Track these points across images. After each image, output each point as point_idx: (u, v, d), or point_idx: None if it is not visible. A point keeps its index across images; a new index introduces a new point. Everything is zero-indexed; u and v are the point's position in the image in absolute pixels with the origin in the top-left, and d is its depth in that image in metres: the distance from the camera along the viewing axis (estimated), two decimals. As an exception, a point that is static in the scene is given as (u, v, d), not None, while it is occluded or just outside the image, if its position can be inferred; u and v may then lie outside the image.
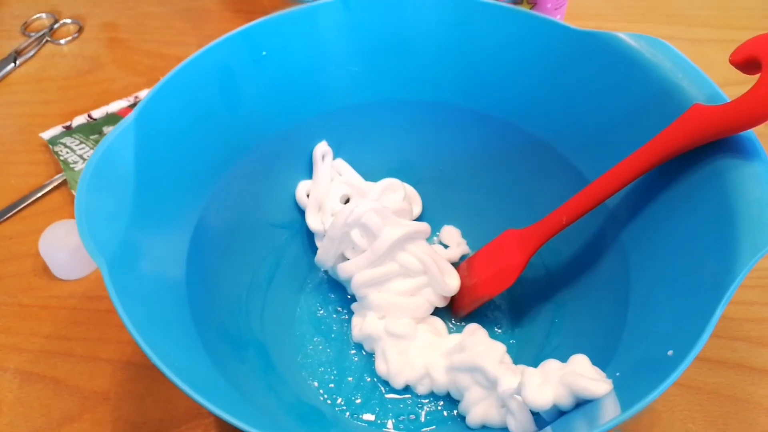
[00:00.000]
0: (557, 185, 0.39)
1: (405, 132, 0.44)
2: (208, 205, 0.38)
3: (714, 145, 0.31)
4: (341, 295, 0.43)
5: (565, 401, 0.29)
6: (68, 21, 0.64)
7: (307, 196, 0.43)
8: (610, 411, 0.26)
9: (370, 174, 0.44)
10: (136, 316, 0.28)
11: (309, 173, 0.44)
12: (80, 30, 0.64)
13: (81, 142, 0.51)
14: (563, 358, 0.32)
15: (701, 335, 0.25)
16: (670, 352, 0.26)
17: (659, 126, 0.32)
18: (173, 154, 0.36)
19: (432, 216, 0.45)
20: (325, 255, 0.41)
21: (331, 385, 0.39)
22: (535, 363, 0.33)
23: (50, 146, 0.51)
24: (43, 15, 0.65)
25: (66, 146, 0.51)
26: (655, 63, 0.34)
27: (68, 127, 0.53)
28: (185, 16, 0.65)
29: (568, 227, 0.36)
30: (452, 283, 0.40)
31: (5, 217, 0.48)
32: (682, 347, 0.26)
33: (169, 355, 0.27)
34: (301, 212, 0.44)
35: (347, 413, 0.38)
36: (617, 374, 0.29)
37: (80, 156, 0.50)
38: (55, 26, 0.64)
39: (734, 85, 0.32)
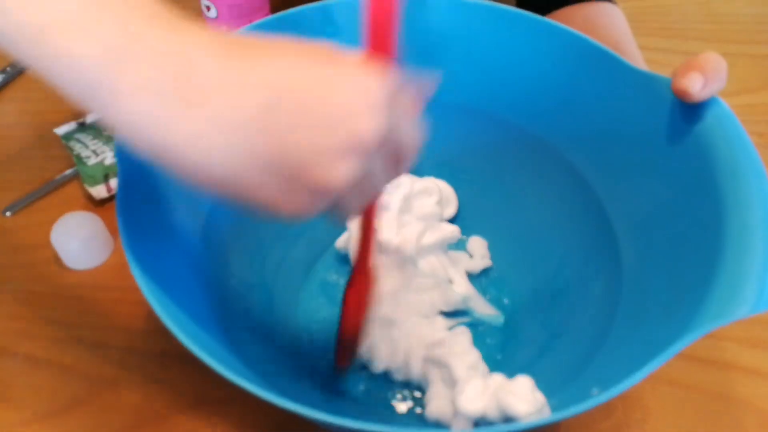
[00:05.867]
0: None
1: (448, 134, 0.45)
2: None
3: (712, 158, 0.32)
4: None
5: (493, 414, 0.31)
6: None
7: None
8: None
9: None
10: (139, 240, 0.29)
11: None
12: (95, 31, 0.65)
13: (94, 138, 0.53)
14: (553, 363, 0.33)
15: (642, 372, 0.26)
16: (594, 391, 0.27)
17: (676, 144, 0.33)
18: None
19: (464, 219, 0.47)
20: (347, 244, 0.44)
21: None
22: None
23: (64, 141, 0.53)
24: (59, 16, 0.66)
25: (79, 141, 0.52)
26: None
27: (82, 124, 0.55)
28: (198, 17, 0.67)
29: (565, 249, 0.38)
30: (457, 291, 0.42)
31: (19, 208, 0.50)
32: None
33: (168, 296, 0.29)
34: None
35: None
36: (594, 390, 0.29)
37: (93, 151, 0.52)
38: (71, 27, 0.66)
39: (727, 96, 0.33)
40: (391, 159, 0.25)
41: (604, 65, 0.38)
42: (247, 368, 0.31)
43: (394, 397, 0.39)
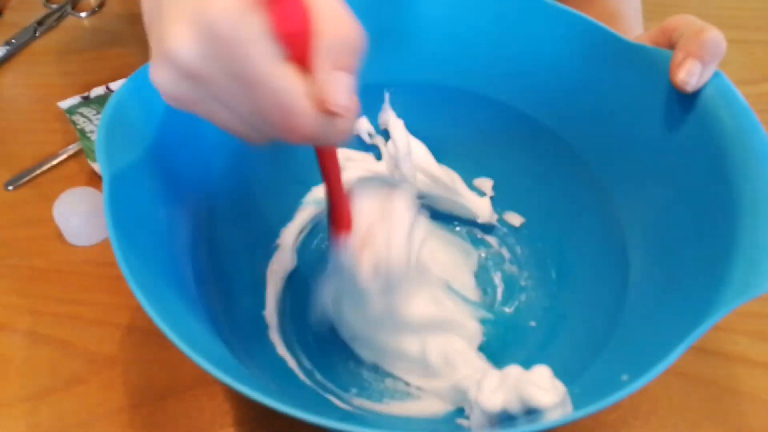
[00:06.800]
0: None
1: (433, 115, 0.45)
2: (229, 165, 0.39)
3: (724, 157, 0.31)
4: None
5: (515, 407, 0.30)
6: (89, -5, 0.65)
7: None
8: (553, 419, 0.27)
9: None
10: (126, 234, 0.28)
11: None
12: (101, 4, 0.64)
13: (98, 113, 0.52)
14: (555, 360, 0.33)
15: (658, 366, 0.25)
16: (624, 377, 0.27)
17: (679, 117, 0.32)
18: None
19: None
20: None
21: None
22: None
23: (68, 115, 0.52)
24: (65, -12, 0.66)
25: (83, 116, 0.52)
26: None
27: (86, 98, 0.54)
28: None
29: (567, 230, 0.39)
30: None
31: (21, 183, 0.49)
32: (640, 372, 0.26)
33: (149, 280, 0.28)
34: None
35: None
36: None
37: (97, 126, 0.51)
38: (76, -1, 0.65)
39: (748, 84, 0.32)
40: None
41: (603, 44, 0.37)
42: (239, 363, 0.31)
43: (384, 395, 0.38)
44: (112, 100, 0.32)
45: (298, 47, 0.23)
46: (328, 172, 0.32)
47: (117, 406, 0.38)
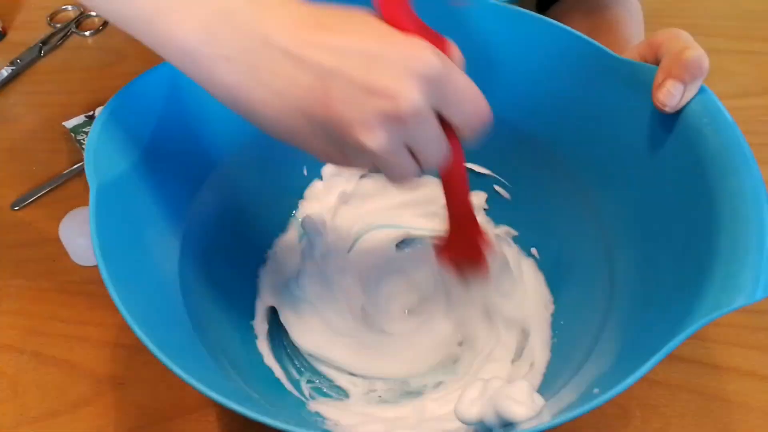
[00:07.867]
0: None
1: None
2: (220, 176, 0.39)
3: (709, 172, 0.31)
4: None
5: (491, 419, 0.30)
6: (94, 13, 0.65)
7: None
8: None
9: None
10: (107, 237, 0.29)
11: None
12: (105, 23, 0.65)
13: (103, 132, 0.52)
14: None
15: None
16: (596, 391, 0.27)
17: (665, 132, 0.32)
18: (195, 113, 0.37)
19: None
20: None
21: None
22: None
23: (72, 135, 0.52)
24: (69, 7, 0.66)
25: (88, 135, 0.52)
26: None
27: (91, 117, 0.54)
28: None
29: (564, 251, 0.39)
30: None
31: (27, 203, 0.49)
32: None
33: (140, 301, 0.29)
34: None
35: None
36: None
37: (102, 145, 0.51)
38: (81, 18, 0.65)
39: (753, 96, 0.32)
40: (445, 131, 0.28)
41: (591, 58, 0.36)
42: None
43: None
44: (101, 116, 0.32)
45: None
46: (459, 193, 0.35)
47: (124, 427, 0.38)
